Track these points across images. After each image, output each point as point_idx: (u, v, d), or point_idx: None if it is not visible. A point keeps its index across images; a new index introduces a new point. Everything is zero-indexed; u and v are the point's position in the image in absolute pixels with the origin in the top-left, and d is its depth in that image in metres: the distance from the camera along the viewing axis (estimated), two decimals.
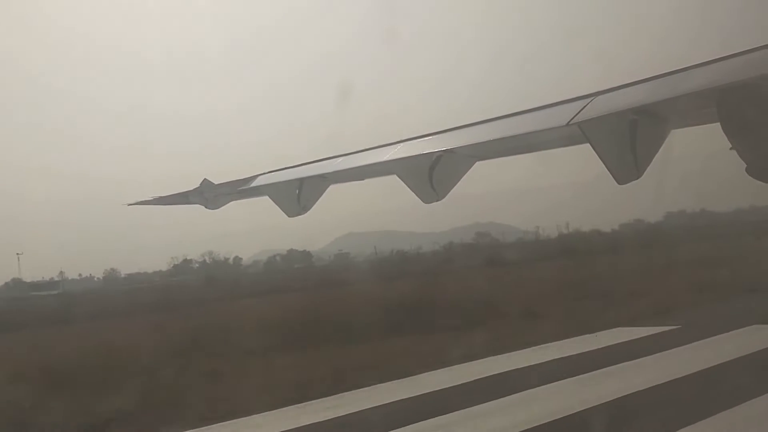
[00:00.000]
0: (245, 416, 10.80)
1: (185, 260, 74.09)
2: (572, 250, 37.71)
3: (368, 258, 61.24)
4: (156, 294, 41.29)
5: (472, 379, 11.86)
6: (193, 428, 10.31)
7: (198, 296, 34.82)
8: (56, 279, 76.53)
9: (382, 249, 63.84)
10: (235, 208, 9.53)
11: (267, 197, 8.39)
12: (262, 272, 68.04)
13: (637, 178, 5.74)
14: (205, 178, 8.55)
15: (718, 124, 5.24)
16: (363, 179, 8.18)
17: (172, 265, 70.41)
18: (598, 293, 20.32)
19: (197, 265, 73.75)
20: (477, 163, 7.00)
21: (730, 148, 5.52)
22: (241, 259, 76.53)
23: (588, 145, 5.69)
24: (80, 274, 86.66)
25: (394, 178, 7.33)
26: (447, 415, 9.65)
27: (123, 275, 78.79)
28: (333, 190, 8.11)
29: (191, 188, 8.75)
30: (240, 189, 8.50)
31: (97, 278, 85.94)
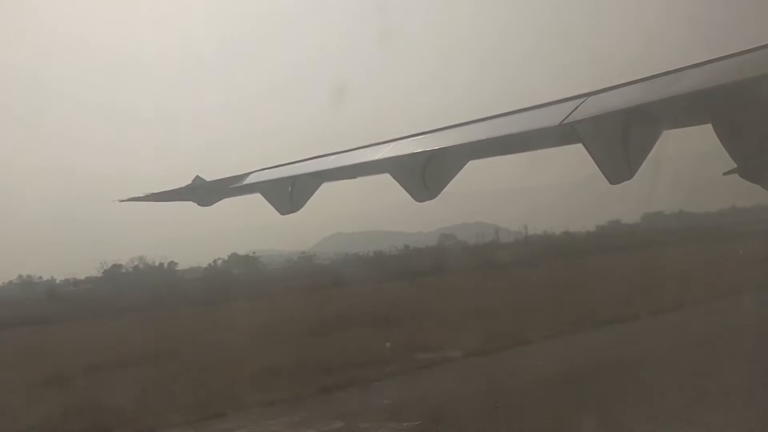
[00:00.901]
0: None
1: (116, 265, 68.30)
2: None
3: None
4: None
5: None
6: None
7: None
8: None
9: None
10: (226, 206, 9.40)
11: (258, 194, 8.41)
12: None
13: (629, 179, 5.83)
14: (197, 175, 8.53)
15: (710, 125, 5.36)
16: (356, 177, 8.21)
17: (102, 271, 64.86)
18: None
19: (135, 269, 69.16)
20: (470, 162, 7.07)
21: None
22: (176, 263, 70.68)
23: (580, 144, 5.79)
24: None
25: (386, 177, 7.39)
26: None
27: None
28: (323, 188, 8.14)
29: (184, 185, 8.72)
30: (233, 186, 8.49)
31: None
